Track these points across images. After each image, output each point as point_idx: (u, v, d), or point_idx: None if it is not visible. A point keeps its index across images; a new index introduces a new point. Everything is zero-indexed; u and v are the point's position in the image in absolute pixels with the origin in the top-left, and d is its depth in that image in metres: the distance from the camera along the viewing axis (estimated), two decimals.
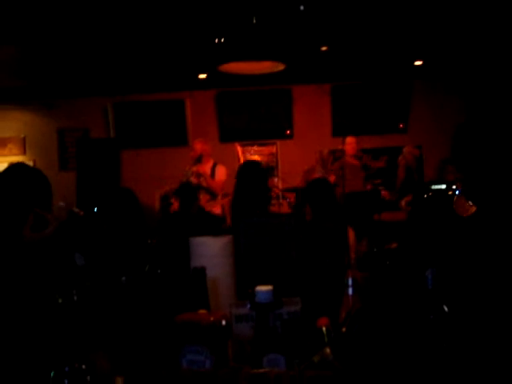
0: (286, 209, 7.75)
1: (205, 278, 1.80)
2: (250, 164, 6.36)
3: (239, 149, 10.03)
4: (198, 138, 8.04)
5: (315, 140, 9.70)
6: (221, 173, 7.55)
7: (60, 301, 1.40)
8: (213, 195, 7.24)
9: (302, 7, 5.68)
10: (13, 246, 2.25)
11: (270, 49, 7.44)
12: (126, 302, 1.98)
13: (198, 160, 7.56)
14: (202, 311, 1.70)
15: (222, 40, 6.74)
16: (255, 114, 10.05)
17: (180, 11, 6.01)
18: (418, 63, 8.71)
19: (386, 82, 9.84)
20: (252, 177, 5.28)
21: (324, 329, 1.70)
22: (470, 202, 3.36)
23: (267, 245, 2.74)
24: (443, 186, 3.96)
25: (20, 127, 9.96)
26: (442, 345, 1.51)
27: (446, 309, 1.55)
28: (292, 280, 2.55)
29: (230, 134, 10.04)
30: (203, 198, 7.04)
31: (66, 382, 1.38)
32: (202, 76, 8.92)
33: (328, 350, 1.57)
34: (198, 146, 7.71)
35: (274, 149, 10.13)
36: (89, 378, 1.40)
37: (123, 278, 2.07)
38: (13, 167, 2.64)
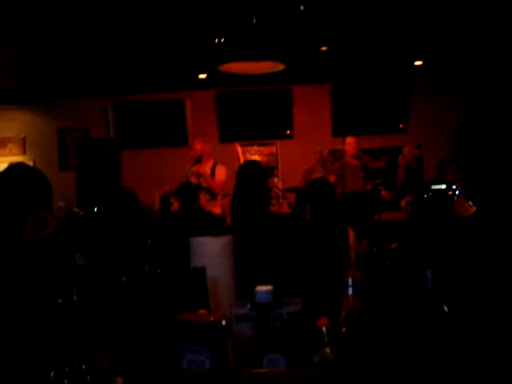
0: (286, 209, 7.75)
1: (205, 278, 1.80)
2: (250, 164, 6.35)
3: (239, 149, 10.03)
4: (198, 138, 8.05)
5: (315, 140, 9.71)
6: (221, 173, 7.54)
7: (60, 301, 1.40)
8: (213, 195, 7.24)
9: (302, 7, 5.69)
10: (13, 246, 2.25)
11: (269, 49, 7.45)
12: (126, 302, 1.98)
13: (198, 160, 7.56)
14: (202, 311, 1.70)
15: (222, 40, 6.74)
16: (255, 114, 10.06)
17: (180, 11, 6.01)
18: (418, 63, 8.71)
19: (386, 82, 9.84)
20: (252, 177, 5.28)
21: (324, 329, 1.70)
22: (470, 202, 3.37)
23: (267, 245, 2.74)
24: (443, 186, 3.97)
25: (20, 127, 9.96)
26: (442, 345, 1.51)
27: (446, 309, 1.55)
28: (292, 280, 2.55)
29: (230, 134, 10.04)
30: (203, 198, 7.04)
31: (66, 382, 1.38)
32: (202, 76, 8.92)
33: (328, 350, 1.57)
34: (198, 146, 7.71)
35: (274, 149, 10.14)
36: (89, 378, 1.40)
37: (123, 278, 2.08)
38: (13, 167, 2.64)
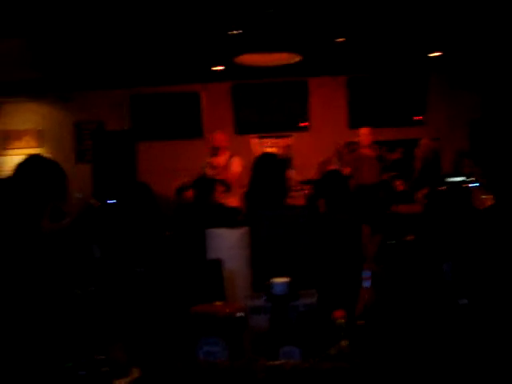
0: (301, 201, 7.73)
1: (221, 270, 1.80)
2: (266, 156, 6.34)
3: (256, 141, 10.02)
4: (218, 130, 8.03)
5: (331, 132, 9.67)
6: (236, 164, 7.53)
7: (78, 292, 1.41)
8: (228, 187, 7.22)
9: None
10: (32, 237, 2.26)
11: (286, 40, 7.42)
12: (143, 293, 1.98)
13: (215, 151, 7.56)
14: (218, 303, 1.70)
15: (238, 32, 6.72)
16: (271, 106, 10.05)
17: (196, 3, 6.00)
18: (434, 54, 8.64)
19: (402, 75, 9.78)
20: (269, 168, 5.27)
21: (340, 321, 1.70)
22: (487, 195, 3.34)
23: (283, 237, 2.74)
24: (459, 179, 3.95)
25: (37, 120, 10.02)
26: (459, 338, 1.50)
27: (464, 301, 1.54)
28: (308, 272, 2.54)
29: (246, 126, 10.04)
30: (218, 189, 7.02)
31: (83, 373, 1.38)
32: (219, 68, 8.90)
33: (344, 343, 1.57)
34: (217, 137, 7.69)
35: (289, 141, 10.12)
36: (105, 369, 1.41)
37: (139, 270, 2.08)
38: (30, 159, 2.65)
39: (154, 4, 6.00)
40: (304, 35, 7.27)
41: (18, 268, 2.03)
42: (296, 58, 8.25)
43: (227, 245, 2.18)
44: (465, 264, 1.84)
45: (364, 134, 8.25)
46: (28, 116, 10.00)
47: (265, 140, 10.08)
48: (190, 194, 6.54)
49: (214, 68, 8.87)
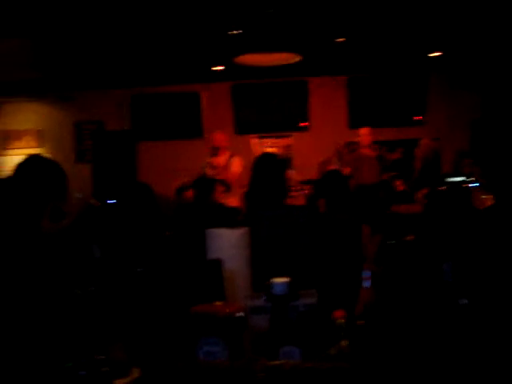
0: (301, 201, 7.73)
1: (221, 270, 1.80)
2: (266, 156, 6.34)
3: (256, 141, 10.01)
4: (218, 130, 8.03)
5: (331, 132, 9.66)
6: (236, 164, 7.52)
7: (78, 292, 1.41)
8: (227, 187, 7.22)
9: None
10: (31, 237, 2.26)
11: (286, 40, 7.41)
12: (143, 293, 1.98)
13: (216, 151, 7.55)
14: (218, 303, 1.70)
15: (238, 32, 6.72)
16: (271, 106, 10.05)
17: (196, 3, 6.00)
18: (434, 54, 8.63)
19: (402, 75, 9.78)
20: (269, 168, 5.27)
21: (340, 321, 1.70)
22: (487, 195, 3.34)
23: (283, 237, 2.74)
24: (459, 179, 3.94)
25: (37, 120, 10.01)
26: (459, 338, 1.50)
27: (464, 301, 1.54)
28: (308, 272, 2.54)
29: (246, 126, 10.04)
30: (218, 189, 7.02)
31: (83, 373, 1.38)
32: (219, 68, 8.90)
33: (344, 343, 1.57)
34: (218, 137, 7.69)
35: (289, 141, 10.12)
36: (105, 369, 1.41)
37: (139, 270, 2.08)
38: (30, 159, 2.65)
39: (154, 4, 6.00)
40: (304, 35, 7.26)
41: (17, 268, 2.03)
42: (296, 58, 8.24)
43: (227, 245, 2.18)
44: (465, 264, 1.84)
45: (364, 134, 8.25)
46: (28, 116, 10.00)
47: (265, 140, 10.08)
48: (190, 194, 6.54)
49: (214, 68, 8.87)
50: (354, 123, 9.53)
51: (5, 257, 2.09)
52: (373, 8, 6.42)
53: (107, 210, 3.72)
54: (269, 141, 10.08)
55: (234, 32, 6.76)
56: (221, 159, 7.55)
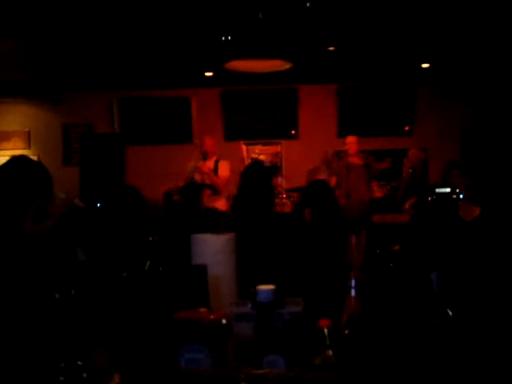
0: (289, 208, 7.73)
1: (206, 276, 1.77)
2: (255, 164, 6.36)
3: (244, 147, 10.01)
4: (207, 135, 8.01)
5: (320, 141, 9.67)
6: (224, 168, 7.53)
7: (57, 296, 1.38)
8: (215, 191, 7.21)
9: (308, 4, 5.67)
10: (13, 239, 2.24)
11: (276, 47, 7.42)
12: (126, 298, 1.96)
13: (206, 156, 7.55)
14: (203, 309, 1.68)
15: (229, 38, 6.72)
16: (260, 113, 10.05)
17: (187, 8, 5.99)
18: (424, 66, 8.68)
19: (392, 84, 9.82)
20: (256, 176, 5.28)
21: (326, 330, 1.68)
22: (474, 206, 3.35)
23: (269, 243, 2.72)
24: (447, 190, 3.95)
25: (25, 121, 9.96)
26: (446, 349, 1.49)
27: (450, 313, 1.53)
28: (294, 280, 2.53)
29: (235, 132, 10.03)
30: (206, 193, 7.00)
31: (62, 378, 1.36)
32: (209, 74, 8.90)
33: (330, 353, 1.55)
34: (208, 142, 7.68)
35: (278, 148, 10.11)
36: (85, 374, 1.38)
37: (124, 274, 2.06)
38: (14, 160, 2.63)
39: (145, 8, 5.99)
40: (295, 43, 7.28)
41: None
42: (286, 66, 8.26)
43: (212, 250, 2.16)
44: (451, 274, 1.83)
45: (350, 142, 8.26)
46: (16, 117, 9.95)
47: (252, 147, 10.08)
48: (177, 199, 6.52)
49: (205, 74, 8.87)
50: (344, 132, 9.55)
51: None
52: (364, 18, 6.44)
53: (92, 212, 3.69)
54: (256, 148, 10.07)
55: (224, 38, 6.77)
56: (209, 163, 7.55)
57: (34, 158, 7.52)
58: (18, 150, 9.68)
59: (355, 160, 8.15)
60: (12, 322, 1.80)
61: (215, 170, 7.48)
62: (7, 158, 2.67)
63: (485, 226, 3.13)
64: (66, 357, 1.37)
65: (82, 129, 9.95)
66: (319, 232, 4.48)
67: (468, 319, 1.65)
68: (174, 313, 1.63)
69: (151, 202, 5.08)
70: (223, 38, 6.74)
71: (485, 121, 9.11)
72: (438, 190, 4.05)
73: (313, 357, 1.59)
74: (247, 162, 9.56)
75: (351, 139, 8.27)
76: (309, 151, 9.51)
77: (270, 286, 1.69)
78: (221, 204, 7.02)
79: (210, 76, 9.00)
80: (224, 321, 1.60)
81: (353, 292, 1.79)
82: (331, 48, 7.61)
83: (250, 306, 1.84)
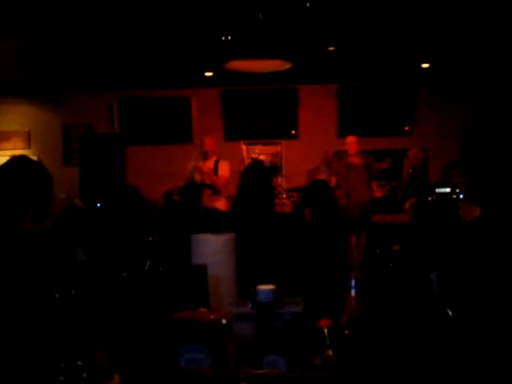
0: (289, 208, 7.74)
1: (206, 276, 1.77)
2: (255, 164, 6.36)
3: (244, 147, 10.01)
4: (207, 135, 8.01)
5: (320, 141, 9.67)
6: (224, 168, 7.53)
7: (57, 296, 1.38)
8: (215, 191, 7.20)
9: (308, 4, 5.68)
10: (13, 239, 2.24)
11: (276, 47, 7.42)
12: (126, 298, 1.96)
13: (206, 156, 7.55)
14: (203, 309, 1.68)
15: (229, 38, 6.72)
16: (260, 113, 10.04)
17: (187, 8, 5.99)
18: (424, 66, 8.68)
19: (392, 84, 9.82)
20: (256, 176, 5.28)
21: (326, 330, 1.68)
22: (474, 206, 3.35)
23: (269, 243, 2.72)
24: (447, 190, 3.95)
25: (25, 121, 9.96)
26: (446, 349, 1.49)
27: (450, 313, 1.53)
28: (294, 280, 2.53)
29: (235, 132, 10.02)
30: (206, 193, 7.00)
31: (62, 378, 1.36)
32: (209, 74, 8.90)
33: (330, 353, 1.55)
34: (208, 142, 7.68)
35: (278, 148, 10.11)
36: (85, 374, 1.38)
37: (124, 274, 2.05)
38: (14, 160, 2.63)
39: (144, 8, 5.99)
40: (295, 43, 7.28)
41: None
42: (286, 66, 8.25)
43: (212, 250, 2.16)
44: (451, 274, 1.83)
45: (350, 142, 8.26)
46: (16, 117, 9.95)
47: (252, 147, 10.07)
48: (177, 199, 6.52)
49: (205, 74, 8.87)
50: (344, 132, 9.55)
51: None
52: (364, 18, 6.44)
53: (93, 212, 3.69)
54: (256, 148, 10.07)
55: (224, 38, 6.77)
56: (209, 163, 7.55)
57: (34, 158, 7.52)
58: (18, 150, 9.68)
59: (355, 160, 8.15)
60: (12, 322, 1.80)
61: (215, 170, 7.48)
62: (7, 158, 2.67)
63: (485, 226, 3.13)
64: (66, 357, 1.37)
65: (82, 129, 9.94)
66: (319, 232, 4.48)
67: (468, 319, 1.65)
68: (174, 313, 1.63)
69: (151, 202, 5.08)
70: (223, 38, 6.73)
71: (485, 121, 9.11)
72: (438, 190, 4.05)
73: (313, 357, 1.59)
74: (247, 161, 9.56)
75: (351, 139, 8.26)
76: (309, 151, 9.51)
77: (270, 286, 1.69)
78: (221, 204, 7.02)
79: (209, 76, 9.00)
80: (224, 321, 1.60)
81: (353, 292, 1.79)
82: (331, 48, 7.60)
83: (250, 306, 1.84)
